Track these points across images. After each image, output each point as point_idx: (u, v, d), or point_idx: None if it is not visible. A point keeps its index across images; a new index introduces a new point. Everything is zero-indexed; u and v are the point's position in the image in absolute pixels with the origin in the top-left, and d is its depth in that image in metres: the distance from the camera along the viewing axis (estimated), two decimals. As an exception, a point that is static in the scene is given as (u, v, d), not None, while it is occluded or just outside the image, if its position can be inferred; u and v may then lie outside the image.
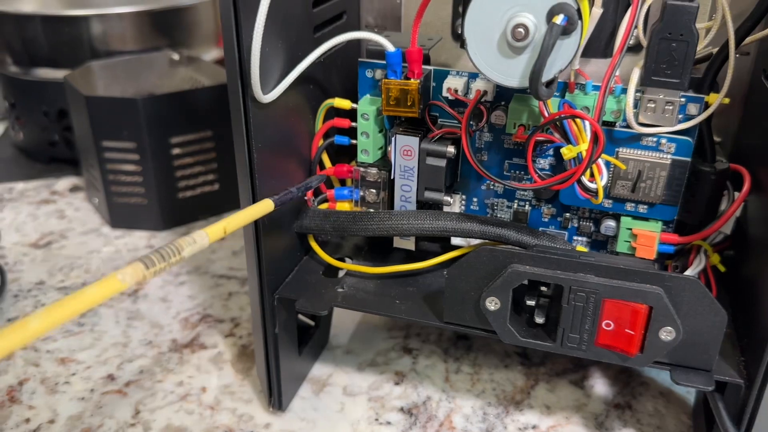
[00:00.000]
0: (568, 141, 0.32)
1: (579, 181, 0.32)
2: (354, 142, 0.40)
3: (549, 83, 0.30)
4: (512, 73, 0.30)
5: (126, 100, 0.57)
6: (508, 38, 0.29)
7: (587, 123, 0.32)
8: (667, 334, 0.31)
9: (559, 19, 0.28)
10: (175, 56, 0.70)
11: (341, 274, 0.41)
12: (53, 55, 0.71)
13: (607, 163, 0.35)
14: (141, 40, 0.72)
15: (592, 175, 0.32)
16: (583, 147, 0.31)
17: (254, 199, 0.35)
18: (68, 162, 0.75)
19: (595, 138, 0.30)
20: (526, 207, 0.39)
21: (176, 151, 0.60)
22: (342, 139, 0.40)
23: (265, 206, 0.33)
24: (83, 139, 0.62)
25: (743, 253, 0.38)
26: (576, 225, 0.38)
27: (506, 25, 0.29)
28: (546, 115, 0.32)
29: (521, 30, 0.29)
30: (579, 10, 0.28)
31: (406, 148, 0.37)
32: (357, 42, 0.45)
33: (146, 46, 0.72)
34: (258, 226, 0.36)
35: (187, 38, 0.75)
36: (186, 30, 0.75)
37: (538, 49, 0.29)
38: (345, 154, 0.43)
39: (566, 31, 0.28)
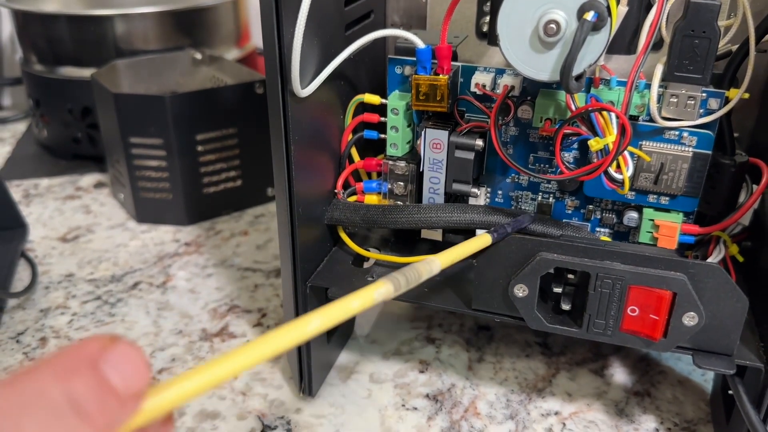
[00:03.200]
0: (595, 134, 0.33)
1: (606, 172, 0.33)
2: (383, 136, 0.41)
3: (578, 77, 0.31)
4: (543, 68, 0.31)
5: (153, 97, 0.58)
6: (539, 34, 0.31)
7: (614, 116, 0.33)
8: (690, 319, 0.32)
9: (589, 16, 0.29)
10: (198, 55, 0.72)
11: (368, 264, 0.42)
12: (77, 54, 0.73)
13: (631, 155, 0.36)
14: (164, 40, 0.73)
15: (618, 166, 0.34)
16: (610, 139, 0.33)
17: (290, 191, 0.36)
18: (91, 159, 0.76)
19: (622, 130, 0.31)
20: (550, 199, 0.40)
21: (201, 147, 0.62)
22: (371, 134, 0.42)
23: (484, 240, 0.35)
24: (110, 136, 0.63)
25: (761, 243, 0.39)
26: (599, 216, 0.40)
27: (538, 21, 0.30)
28: (573, 108, 0.34)
29: (553, 26, 0.30)
30: (608, 7, 0.30)
31: (435, 142, 0.38)
32: (382, 40, 0.46)
33: (169, 45, 0.74)
34: (293, 217, 0.37)
35: (209, 38, 0.77)
36: (207, 30, 0.76)
37: (569, 44, 0.30)
38: (371, 149, 0.44)
39: (596, 27, 0.30)
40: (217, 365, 0.20)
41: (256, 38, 0.86)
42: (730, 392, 0.38)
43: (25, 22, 0.76)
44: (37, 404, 0.16)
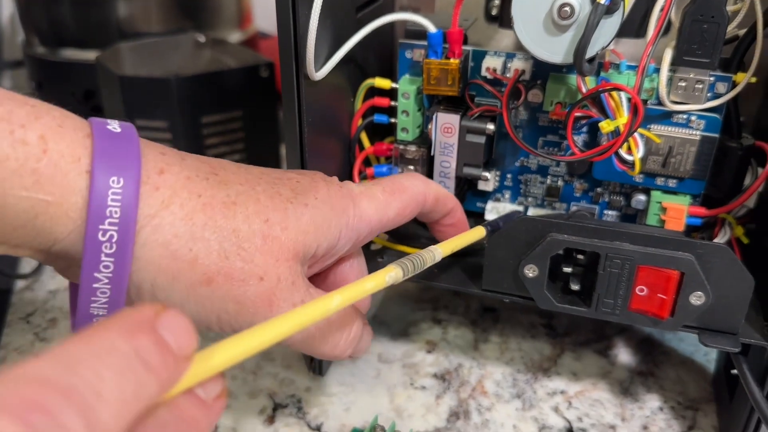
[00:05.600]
0: (606, 116, 0.34)
1: (617, 154, 0.34)
2: (393, 120, 0.42)
3: (591, 60, 0.32)
4: (557, 50, 0.32)
5: (159, 80, 0.59)
6: (553, 17, 0.31)
7: (624, 99, 0.33)
8: (697, 298, 0.33)
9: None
10: (201, 38, 0.72)
11: (374, 247, 0.43)
12: (80, 36, 0.73)
13: (642, 137, 0.36)
14: (166, 22, 0.73)
15: (629, 148, 0.34)
16: (621, 121, 0.33)
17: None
18: (94, 142, 0.76)
19: (634, 110, 0.32)
20: (559, 182, 0.41)
21: (206, 130, 0.62)
22: (381, 118, 0.42)
23: (479, 232, 0.38)
24: (115, 119, 0.63)
25: (766, 226, 0.40)
26: (607, 200, 0.40)
27: (552, 4, 0.31)
28: (584, 91, 0.34)
29: (567, 9, 0.31)
30: (622, -8, 0.30)
31: (446, 126, 0.39)
32: (391, 24, 0.47)
33: (171, 28, 0.73)
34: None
35: (211, 21, 0.76)
36: (210, 12, 0.76)
37: (582, 27, 0.30)
38: (379, 133, 0.45)
39: (609, 10, 0.30)
40: (249, 336, 0.22)
41: (258, 21, 0.86)
42: (733, 372, 0.39)
43: (28, 3, 0.75)
44: (111, 356, 0.18)
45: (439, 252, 0.33)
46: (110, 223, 0.25)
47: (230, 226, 0.28)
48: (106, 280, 0.26)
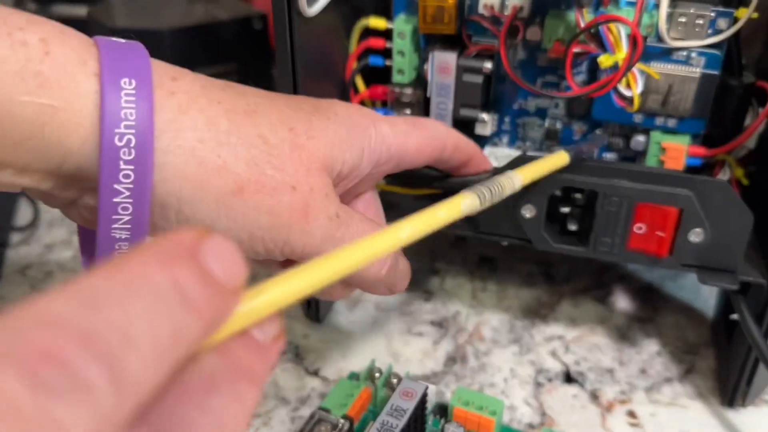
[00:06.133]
0: (604, 50, 0.33)
1: (615, 89, 0.33)
2: (389, 63, 0.41)
3: (589, -9, 0.31)
4: (555, -19, 0.31)
5: (153, 32, 0.58)
6: (551, -54, 0.30)
7: (623, 33, 0.33)
8: (696, 236, 0.33)
9: (603, -75, 0.29)
10: (194, -8, 0.70)
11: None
12: (72, -8, 0.72)
13: (641, 73, 0.36)
14: (159, -23, 0.72)
15: (627, 83, 0.34)
16: (620, 56, 0.32)
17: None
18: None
19: (633, 43, 0.31)
20: (558, 125, 0.40)
21: (201, 84, 0.61)
22: (377, 60, 0.41)
23: (562, 159, 0.33)
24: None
25: (765, 167, 0.39)
26: (606, 142, 0.40)
27: (550, -67, 0.30)
28: (582, 25, 0.33)
29: (565, -63, 0.30)
30: None
31: (443, 65, 0.38)
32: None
33: (164, -17, 0.72)
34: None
35: (205, -25, 0.75)
36: (203, -34, 0.75)
37: (581, -44, 0.30)
38: (375, 78, 0.44)
39: (609, -62, 0.29)
40: (313, 269, 0.19)
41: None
42: (732, 317, 0.39)
43: (17, -41, 0.74)
44: (142, 290, 0.14)
45: (518, 178, 0.29)
46: (126, 126, 0.23)
47: (256, 132, 0.27)
48: (128, 193, 0.24)
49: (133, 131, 0.23)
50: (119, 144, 0.23)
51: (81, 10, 0.68)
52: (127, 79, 0.24)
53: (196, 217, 0.26)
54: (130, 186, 0.24)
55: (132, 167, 0.24)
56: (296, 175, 0.27)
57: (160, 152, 0.24)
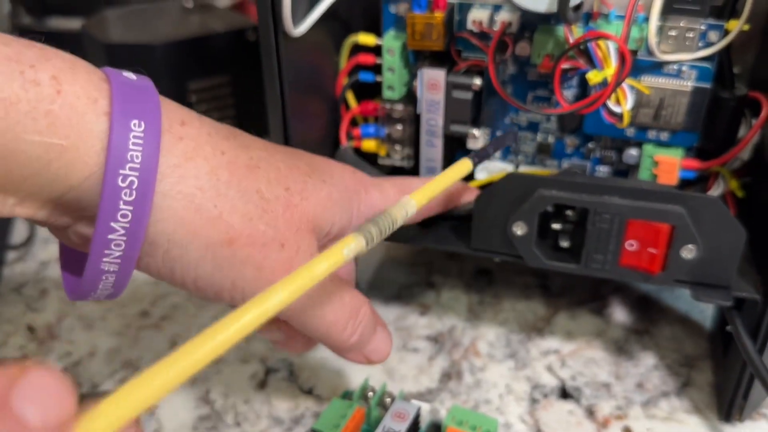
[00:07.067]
0: (594, 66, 0.33)
1: (605, 105, 0.33)
2: (379, 78, 0.41)
3: (576, 8, 0.31)
4: (541, -1, 0.31)
5: (144, 46, 0.58)
6: (537, -36, 0.30)
7: (612, 48, 0.32)
8: (688, 252, 0.33)
9: (588, -56, 0.29)
10: (188, 3, 0.70)
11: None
12: (65, 4, 0.72)
13: (631, 89, 0.35)
14: (153, -12, 0.72)
15: (617, 99, 0.33)
16: (609, 71, 0.32)
17: (286, 136, 0.36)
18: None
19: (621, 59, 0.31)
20: (550, 139, 0.40)
21: (194, 97, 0.61)
22: (367, 76, 0.41)
23: (465, 166, 0.33)
24: (102, 88, 0.63)
25: (760, 178, 0.39)
26: (599, 155, 0.39)
27: (535, -49, 0.30)
28: (571, 41, 0.33)
29: (550, -45, 0.29)
30: (607, -65, 0.29)
31: (432, 82, 0.38)
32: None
33: (158, -6, 0.72)
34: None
35: (199, -14, 0.75)
36: (197, -22, 0.75)
37: (567, -26, 0.29)
38: (365, 93, 0.44)
39: (594, -45, 0.29)
40: (150, 380, 0.17)
41: (248, -13, 0.84)
42: (728, 328, 0.38)
43: (11, -27, 0.74)
44: None
45: (412, 204, 0.29)
46: (131, 168, 0.24)
47: (254, 187, 0.27)
48: (123, 231, 0.24)
49: (136, 174, 0.24)
50: (122, 185, 0.23)
51: (75, 23, 0.68)
52: (136, 121, 0.24)
53: (183, 259, 0.26)
54: (126, 225, 0.24)
55: (131, 208, 0.24)
56: (286, 234, 0.28)
57: (160, 195, 0.25)
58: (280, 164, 0.29)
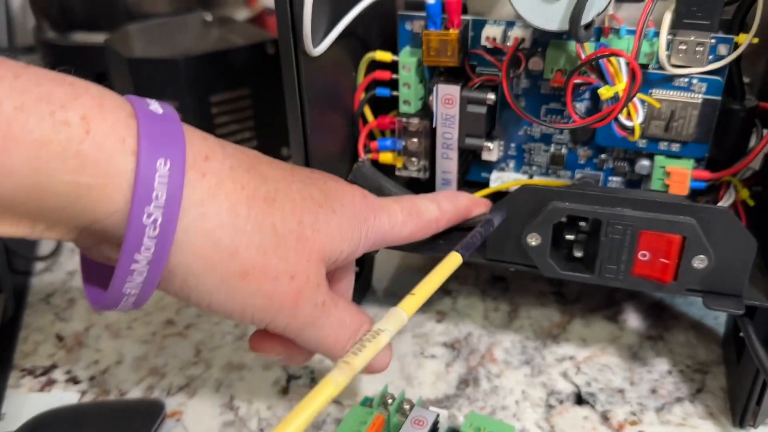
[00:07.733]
0: (605, 82, 0.34)
1: (616, 119, 0.34)
2: (395, 93, 0.42)
3: (587, 26, 0.32)
4: (552, 17, 0.32)
5: (167, 60, 0.59)
6: (548, -16, 0.31)
7: (623, 64, 0.33)
8: (700, 262, 0.33)
9: (597, -35, 0.29)
10: (209, 17, 0.72)
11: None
12: (89, 20, 0.73)
13: (642, 103, 0.36)
14: (174, 2, 0.74)
15: (628, 113, 0.34)
16: (620, 87, 0.33)
17: (306, 151, 0.37)
18: (108, 125, 0.77)
19: (632, 75, 0.32)
20: (563, 150, 0.41)
21: (215, 109, 0.62)
22: (383, 91, 0.42)
23: (455, 260, 0.33)
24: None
25: (771, 187, 0.40)
26: (611, 166, 0.40)
27: (546, -28, 0.31)
28: (583, 57, 0.34)
29: (561, -24, 0.30)
30: (616, -44, 0.30)
31: (447, 97, 0.39)
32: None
33: (179, 8, 0.74)
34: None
35: (218, -1, 0.77)
36: (216, -9, 0.76)
37: (578, -6, 0.30)
38: (382, 108, 0.45)
39: (604, -24, 0.30)
40: None
41: (265, -2, 0.86)
42: (741, 334, 0.39)
43: (36, -11, 0.76)
44: None
45: (403, 315, 0.30)
46: (156, 207, 0.25)
47: (269, 222, 0.29)
48: (145, 262, 0.26)
49: (161, 211, 0.25)
50: (146, 222, 0.25)
51: (99, 38, 0.70)
52: (162, 160, 0.25)
53: (198, 288, 0.28)
54: (149, 257, 0.26)
55: (154, 242, 0.25)
56: (297, 265, 0.30)
57: (181, 231, 0.26)
58: (295, 195, 0.31)
